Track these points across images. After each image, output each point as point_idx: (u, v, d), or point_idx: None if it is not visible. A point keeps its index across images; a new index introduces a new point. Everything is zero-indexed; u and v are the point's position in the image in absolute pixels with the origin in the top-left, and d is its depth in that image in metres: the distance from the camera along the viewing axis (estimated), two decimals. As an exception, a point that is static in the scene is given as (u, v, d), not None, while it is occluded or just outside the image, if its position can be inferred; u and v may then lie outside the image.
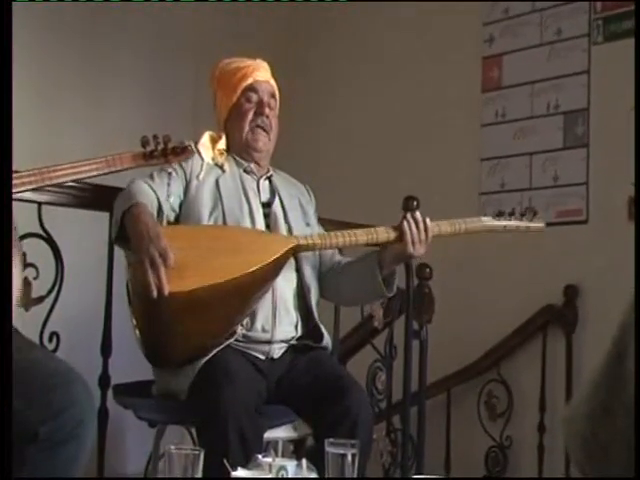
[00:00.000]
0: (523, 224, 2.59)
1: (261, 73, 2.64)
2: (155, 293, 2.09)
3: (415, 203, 3.47)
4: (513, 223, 2.57)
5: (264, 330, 2.42)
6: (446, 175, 4.65)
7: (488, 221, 2.56)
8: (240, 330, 2.38)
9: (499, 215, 2.57)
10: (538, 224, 2.62)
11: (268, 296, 2.40)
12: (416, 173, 4.67)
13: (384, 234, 2.46)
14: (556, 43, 4.35)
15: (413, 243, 2.44)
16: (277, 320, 2.44)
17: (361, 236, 2.45)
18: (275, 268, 2.34)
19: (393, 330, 3.42)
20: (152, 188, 2.40)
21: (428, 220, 2.46)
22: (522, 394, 4.26)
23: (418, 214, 2.46)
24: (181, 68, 5.03)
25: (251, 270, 2.24)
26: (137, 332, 2.24)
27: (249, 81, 2.61)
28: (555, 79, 4.33)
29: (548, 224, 4.18)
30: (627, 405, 0.92)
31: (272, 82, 2.67)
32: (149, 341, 2.26)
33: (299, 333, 2.50)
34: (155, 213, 2.34)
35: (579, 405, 1.00)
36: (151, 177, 2.45)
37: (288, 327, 2.47)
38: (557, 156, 4.29)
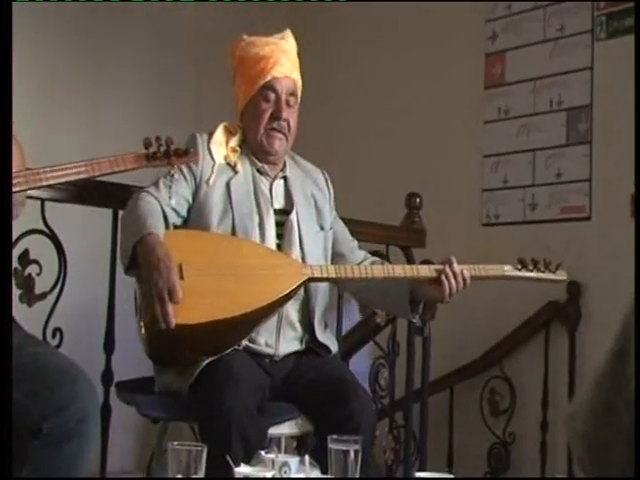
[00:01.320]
0: (545, 276, 2.50)
1: (282, 67, 2.47)
2: (162, 326, 2.12)
3: (418, 200, 3.48)
4: (534, 275, 2.49)
5: (268, 345, 2.41)
6: (449, 172, 4.65)
7: (510, 271, 2.49)
8: (244, 342, 2.37)
9: (521, 265, 2.48)
10: (560, 277, 2.53)
11: None
12: (419, 170, 4.67)
13: (400, 271, 2.41)
14: (559, 39, 4.34)
15: (451, 295, 2.41)
16: (281, 336, 2.42)
17: (377, 271, 2.40)
18: (285, 300, 2.33)
19: (396, 327, 3.43)
20: (157, 200, 2.35)
21: (466, 272, 2.41)
22: (525, 391, 4.25)
23: (456, 266, 2.40)
24: (182, 66, 5.03)
25: (261, 306, 2.25)
26: (142, 335, 2.24)
27: (267, 78, 2.46)
28: (558, 75, 4.32)
29: (551, 221, 4.21)
30: (629, 403, 0.92)
31: (294, 75, 2.51)
32: (154, 347, 2.26)
33: (304, 346, 2.48)
34: (164, 228, 2.32)
35: (582, 402, 1.00)
36: (156, 185, 2.39)
37: (293, 342, 2.45)
38: (560, 153, 4.29)
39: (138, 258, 2.22)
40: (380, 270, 2.41)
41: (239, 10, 5.03)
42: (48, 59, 4.50)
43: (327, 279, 2.41)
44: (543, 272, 2.51)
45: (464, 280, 2.41)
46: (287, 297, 2.32)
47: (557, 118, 4.31)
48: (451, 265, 2.40)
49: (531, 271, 2.49)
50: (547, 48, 4.38)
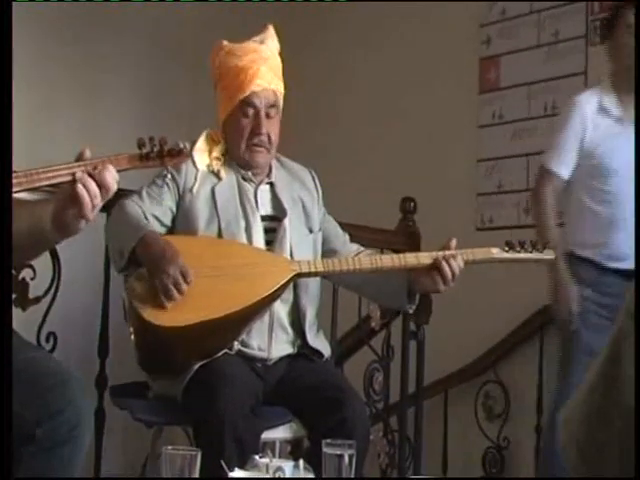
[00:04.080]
0: (533, 256, 2.51)
1: (261, 79, 2.43)
2: (178, 299, 2.17)
3: (412, 204, 3.48)
4: (522, 255, 2.49)
5: (260, 349, 2.41)
6: (443, 176, 4.65)
7: (497, 253, 2.49)
8: (236, 346, 2.37)
9: (508, 246, 2.48)
10: (548, 256, 2.53)
11: (265, 315, 2.39)
12: (413, 174, 4.67)
13: (388, 262, 2.41)
14: (553, 44, 4.35)
15: (446, 284, 2.41)
16: (273, 340, 2.42)
17: (365, 263, 2.40)
18: (274, 297, 2.33)
19: (390, 331, 3.43)
20: (141, 208, 2.37)
21: (460, 259, 2.41)
22: (519, 395, 4.26)
23: (449, 253, 2.39)
24: (179, 70, 5.03)
25: (250, 304, 2.25)
26: (132, 340, 2.25)
27: (246, 93, 2.43)
28: (552, 80, 4.33)
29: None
30: (623, 408, 0.92)
31: (274, 85, 2.47)
32: (144, 354, 2.27)
33: (296, 350, 2.48)
34: None
35: (575, 407, 1.00)
36: (140, 195, 2.41)
37: (284, 345, 2.45)
38: (554, 157, 4.29)
39: (139, 258, 2.23)
40: (368, 261, 2.41)
41: (237, 11, 5.02)
42: (43, 63, 4.49)
43: (316, 274, 2.41)
44: (530, 252, 2.51)
45: (459, 267, 2.40)
46: (276, 294, 2.33)
47: (551, 123, 4.32)
48: (446, 256, 2.39)
49: (518, 252, 2.50)
50: (541, 53, 4.39)
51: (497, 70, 4.56)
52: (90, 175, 1.70)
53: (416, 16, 4.84)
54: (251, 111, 2.46)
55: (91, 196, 1.68)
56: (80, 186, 1.67)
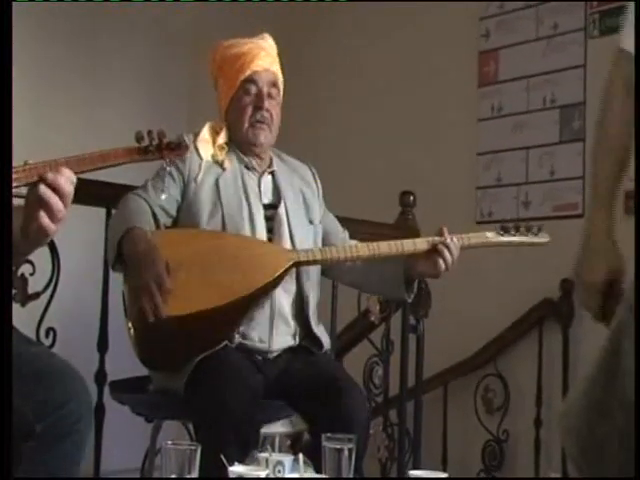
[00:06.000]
0: (528, 239, 2.54)
1: (261, 61, 2.52)
2: (151, 318, 2.12)
3: (411, 198, 3.48)
4: (517, 239, 2.53)
5: (261, 341, 2.41)
6: (442, 170, 4.65)
7: (492, 237, 2.53)
8: (237, 339, 2.37)
9: (504, 230, 2.52)
10: (542, 239, 2.57)
11: (266, 306, 2.39)
12: (413, 168, 4.67)
13: (385, 248, 2.43)
14: (552, 37, 4.34)
15: (447, 268, 2.43)
16: (274, 331, 2.42)
17: (363, 250, 2.43)
18: (274, 285, 2.34)
19: (390, 325, 3.43)
20: (147, 201, 2.37)
21: (456, 240, 2.44)
22: (519, 388, 4.26)
23: (448, 238, 2.42)
24: (179, 67, 5.03)
25: (249, 292, 2.26)
26: (132, 337, 2.25)
27: (247, 73, 2.50)
28: (551, 73, 4.33)
29: (544, 218, 4.22)
30: (622, 401, 0.92)
31: (274, 68, 2.56)
32: (144, 349, 2.27)
33: (297, 342, 2.48)
34: (153, 227, 2.34)
35: (575, 401, 1.01)
36: (144, 187, 2.42)
37: (286, 337, 2.46)
38: (553, 150, 4.29)
39: (124, 255, 2.22)
40: (365, 248, 2.43)
41: (237, 11, 5.02)
42: (44, 58, 4.48)
43: (314, 262, 2.43)
44: (525, 236, 2.54)
45: (457, 250, 2.44)
46: (275, 283, 2.34)
47: (550, 116, 4.32)
48: (444, 239, 2.42)
49: (513, 236, 2.53)
50: (540, 46, 4.39)
51: (496, 63, 4.56)
52: (44, 181, 1.65)
53: (415, 10, 4.84)
54: (253, 88, 2.52)
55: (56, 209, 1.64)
56: (46, 191, 1.63)
